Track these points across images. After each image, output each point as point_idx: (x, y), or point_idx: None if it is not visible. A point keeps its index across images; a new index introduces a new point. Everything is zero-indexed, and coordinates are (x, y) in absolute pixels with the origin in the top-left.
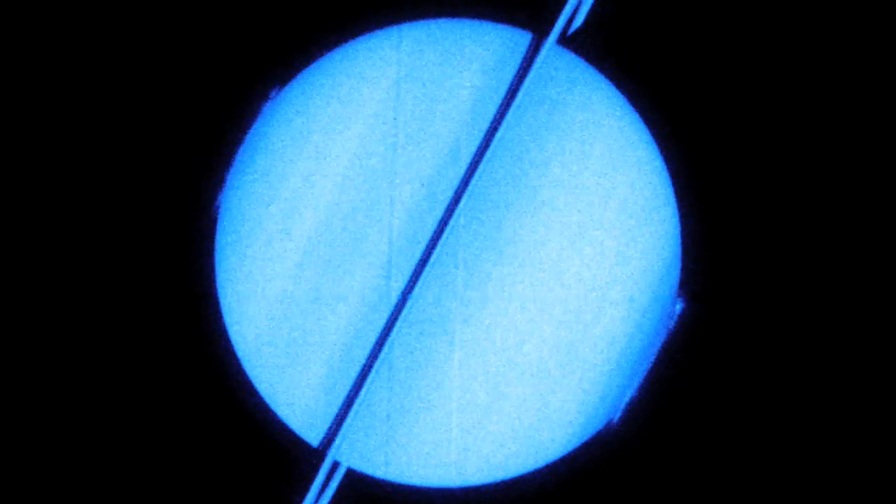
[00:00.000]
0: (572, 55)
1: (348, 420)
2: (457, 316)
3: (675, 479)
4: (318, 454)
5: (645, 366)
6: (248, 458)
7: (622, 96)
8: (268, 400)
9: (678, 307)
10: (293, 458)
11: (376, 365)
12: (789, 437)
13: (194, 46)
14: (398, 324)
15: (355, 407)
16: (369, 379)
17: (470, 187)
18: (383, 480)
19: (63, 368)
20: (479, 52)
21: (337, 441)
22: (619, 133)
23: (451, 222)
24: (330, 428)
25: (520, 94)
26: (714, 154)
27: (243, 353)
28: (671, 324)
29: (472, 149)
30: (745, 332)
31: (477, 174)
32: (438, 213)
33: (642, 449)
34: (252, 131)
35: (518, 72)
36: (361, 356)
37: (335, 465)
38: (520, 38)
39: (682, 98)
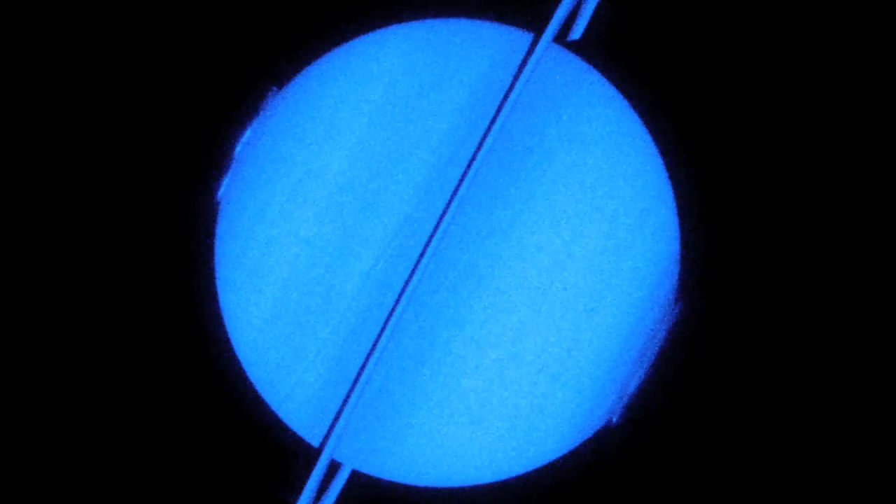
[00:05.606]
0: (572, 55)
1: (348, 420)
2: (455, 316)
3: (674, 479)
4: (319, 454)
5: (644, 365)
6: (248, 458)
7: (622, 96)
8: (268, 400)
9: (677, 307)
10: (293, 458)
11: (376, 365)
12: (788, 435)
13: (194, 46)
14: (397, 323)
15: (355, 407)
16: (369, 378)
17: (469, 187)
18: (383, 480)
19: (61, 368)
20: (479, 52)
21: (336, 441)
22: (618, 133)
23: (450, 222)
24: (330, 427)
25: (519, 94)
26: (714, 154)
27: (243, 353)
28: (670, 323)
29: (471, 149)
30: (744, 331)
31: (476, 174)
32: (437, 212)
33: (641, 449)
34: (251, 131)
35: (517, 72)
36: (361, 356)
37: (336, 465)
38: (520, 38)
39: (682, 98)
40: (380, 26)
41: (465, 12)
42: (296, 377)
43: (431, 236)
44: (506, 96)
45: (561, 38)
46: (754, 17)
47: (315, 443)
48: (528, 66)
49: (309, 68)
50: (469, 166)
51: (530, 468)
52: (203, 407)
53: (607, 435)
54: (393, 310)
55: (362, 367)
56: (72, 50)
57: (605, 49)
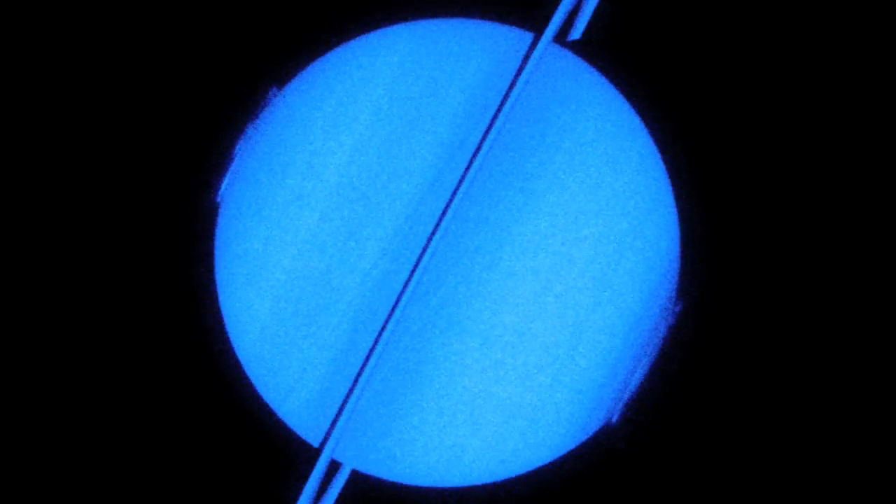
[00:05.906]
0: (572, 55)
1: (348, 420)
2: (455, 316)
3: (674, 479)
4: (319, 454)
5: (644, 365)
6: (248, 458)
7: (622, 96)
8: (268, 400)
9: (677, 307)
10: (293, 458)
11: (376, 365)
12: (788, 435)
13: (194, 45)
14: (398, 323)
15: (355, 407)
16: (369, 379)
17: (468, 187)
18: (384, 480)
19: (61, 367)
20: (479, 52)
21: (336, 441)
22: (618, 133)
23: (449, 221)
24: (330, 427)
25: (519, 95)
26: (714, 154)
27: (243, 353)
28: (670, 323)
29: (471, 149)
30: (744, 331)
31: (475, 174)
32: (436, 212)
33: (641, 449)
34: (251, 131)
35: (517, 72)
36: (361, 355)
37: (336, 466)
38: (520, 38)
39: (682, 98)
40: (380, 26)
41: (465, 12)
42: (296, 377)
43: (431, 236)
44: (506, 96)
45: (561, 38)
46: (754, 16)
47: (315, 443)
48: (528, 66)
49: (309, 68)
50: (469, 166)
51: (530, 468)
52: (203, 407)
53: (607, 435)
54: (393, 309)
55: (362, 367)
56: (72, 49)
57: (605, 49)
